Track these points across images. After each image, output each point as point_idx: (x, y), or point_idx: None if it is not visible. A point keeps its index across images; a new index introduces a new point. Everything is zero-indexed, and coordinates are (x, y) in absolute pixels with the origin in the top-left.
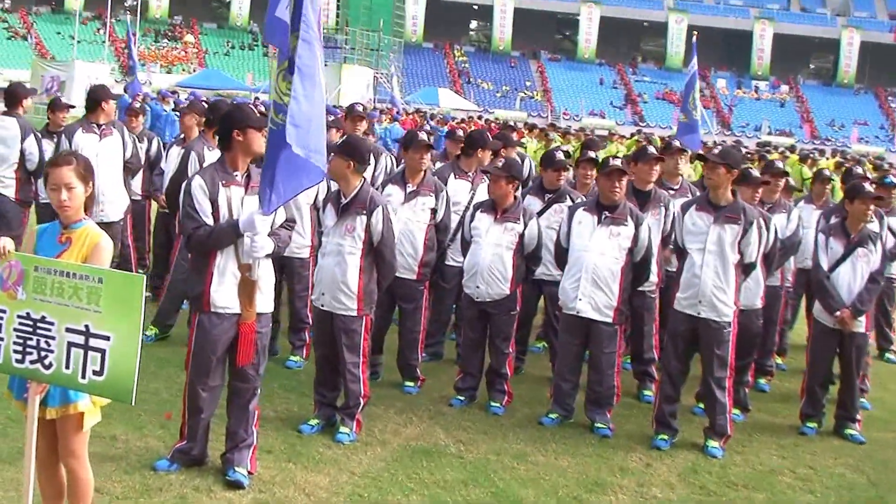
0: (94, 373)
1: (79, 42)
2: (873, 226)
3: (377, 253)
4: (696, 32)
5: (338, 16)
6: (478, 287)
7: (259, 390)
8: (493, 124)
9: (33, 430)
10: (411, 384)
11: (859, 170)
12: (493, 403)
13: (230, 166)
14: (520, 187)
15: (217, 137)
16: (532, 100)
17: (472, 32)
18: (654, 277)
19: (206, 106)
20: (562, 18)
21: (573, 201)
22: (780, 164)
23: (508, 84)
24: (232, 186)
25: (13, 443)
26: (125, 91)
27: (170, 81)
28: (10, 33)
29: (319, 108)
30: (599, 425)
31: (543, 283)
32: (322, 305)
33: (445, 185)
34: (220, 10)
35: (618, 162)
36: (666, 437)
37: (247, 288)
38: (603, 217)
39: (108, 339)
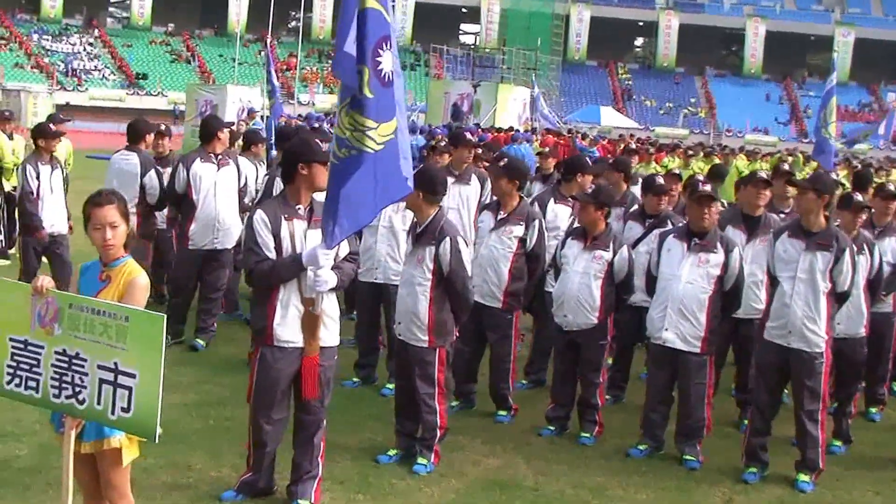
0: (122, 409)
1: (240, 64)
2: None
3: (447, 284)
4: (836, 50)
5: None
6: (566, 316)
7: (325, 423)
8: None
9: (69, 463)
10: (503, 413)
11: None
12: (583, 434)
13: (292, 200)
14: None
15: (282, 172)
16: (696, 116)
17: (636, 49)
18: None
19: None
20: (727, 34)
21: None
22: (892, 187)
23: (672, 101)
24: (295, 220)
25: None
26: (256, 116)
27: (332, 102)
28: (173, 56)
29: (407, 137)
30: (688, 457)
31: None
32: (399, 335)
33: (545, 209)
34: None
35: (707, 188)
36: (755, 470)
37: (310, 322)
38: (692, 244)
39: (133, 376)
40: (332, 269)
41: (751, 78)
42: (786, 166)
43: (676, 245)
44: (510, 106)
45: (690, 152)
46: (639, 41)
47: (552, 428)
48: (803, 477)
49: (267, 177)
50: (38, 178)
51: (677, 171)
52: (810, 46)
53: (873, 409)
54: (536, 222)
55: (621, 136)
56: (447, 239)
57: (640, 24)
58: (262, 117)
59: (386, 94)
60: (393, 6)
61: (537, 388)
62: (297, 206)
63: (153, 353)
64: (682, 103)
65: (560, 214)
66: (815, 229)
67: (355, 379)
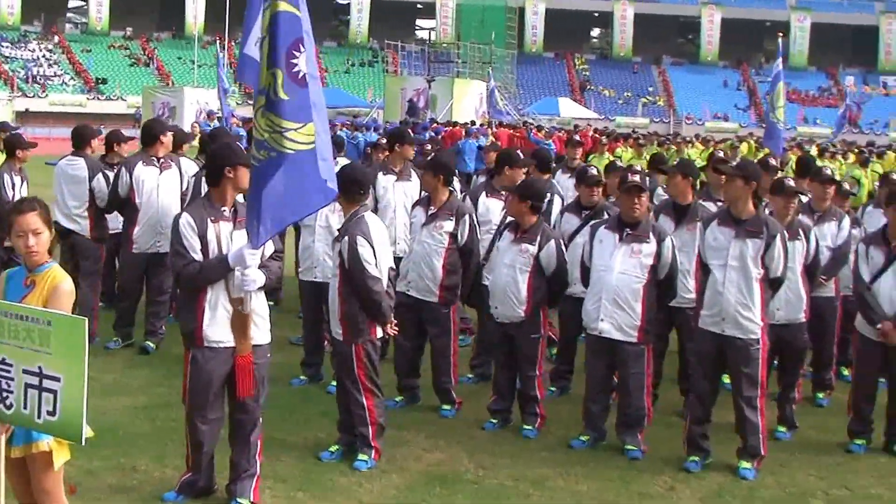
0: (48, 413)
1: (199, 66)
2: None
3: (350, 281)
4: (780, 32)
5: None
6: (496, 308)
7: (261, 420)
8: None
9: (0, 468)
10: (447, 408)
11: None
12: (525, 426)
13: (218, 201)
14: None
15: (205, 175)
16: (654, 105)
17: (593, 40)
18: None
19: None
20: (683, 22)
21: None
22: (828, 171)
23: (630, 90)
24: (221, 222)
25: None
26: (215, 118)
27: None
28: (132, 60)
29: (328, 139)
30: (630, 447)
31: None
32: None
33: (476, 203)
34: (340, 28)
35: (636, 178)
36: (697, 458)
37: (240, 321)
38: (624, 235)
39: (58, 380)
40: (258, 268)
41: (708, 65)
42: (721, 154)
43: (608, 236)
44: (467, 100)
45: (642, 142)
46: (595, 32)
47: (495, 421)
48: (745, 464)
49: (194, 178)
50: (13, 187)
51: (617, 162)
52: (766, 32)
53: (820, 395)
54: (466, 217)
55: (577, 127)
56: (347, 236)
57: (596, 14)
58: (218, 119)
59: (303, 96)
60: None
61: (483, 382)
62: (223, 208)
63: (76, 356)
64: (640, 92)
65: (492, 208)
66: (745, 216)
67: (302, 377)
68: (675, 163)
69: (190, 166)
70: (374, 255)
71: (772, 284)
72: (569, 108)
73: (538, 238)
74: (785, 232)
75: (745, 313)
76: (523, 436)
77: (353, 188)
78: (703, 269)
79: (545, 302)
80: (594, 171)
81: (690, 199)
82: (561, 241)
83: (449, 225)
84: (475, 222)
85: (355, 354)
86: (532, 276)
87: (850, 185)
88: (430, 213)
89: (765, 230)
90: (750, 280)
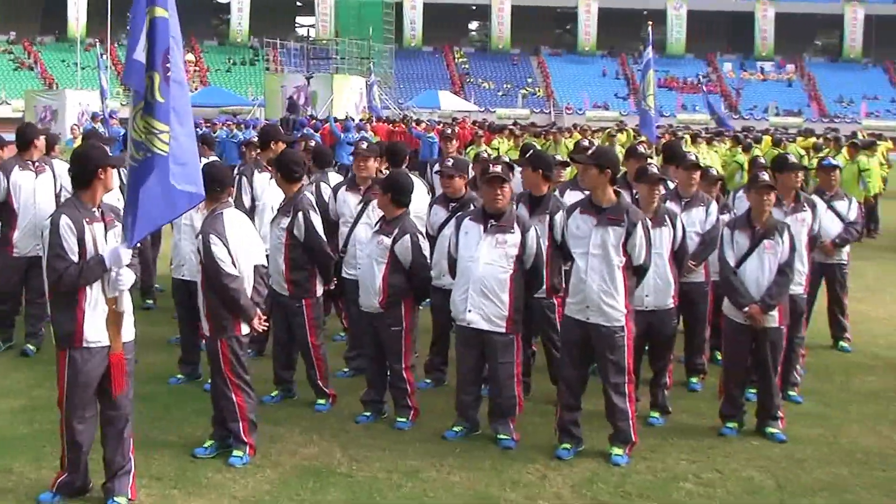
0: None
1: (83, 68)
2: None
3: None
4: (652, 21)
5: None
6: (361, 297)
7: (132, 416)
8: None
9: None
10: (322, 402)
11: (762, 159)
12: (398, 419)
13: (90, 203)
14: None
15: (74, 176)
16: (534, 96)
17: (472, 33)
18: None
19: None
20: (560, 12)
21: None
22: (693, 157)
23: (510, 82)
24: (94, 223)
25: None
26: (99, 120)
27: None
28: (16, 64)
29: (194, 142)
30: (502, 437)
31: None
32: None
33: (336, 196)
34: (220, 27)
35: (498, 169)
36: (569, 446)
37: (115, 320)
38: (489, 226)
39: None
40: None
41: (586, 55)
42: (585, 143)
43: (473, 227)
44: (347, 96)
45: (518, 132)
46: (473, 24)
47: (368, 413)
48: (617, 450)
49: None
50: None
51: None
52: (643, 21)
53: (694, 379)
54: (301, 214)
55: (454, 120)
56: (202, 235)
57: (474, 7)
58: (102, 121)
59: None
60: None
61: (359, 375)
62: (94, 209)
63: None
64: (519, 84)
65: (349, 201)
66: (606, 204)
67: (179, 375)
68: (528, 156)
69: (63, 168)
70: (230, 253)
71: (636, 272)
72: (449, 101)
73: (395, 231)
74: (647, 219)
75: (609, 301)
76: (397, 428)
77: (212, 186)
78: (566, 257)
79: (405, 295)
80: (450, 164)
81: (544, 191)
82: (419, 236)
83: (285, 221)
84: (310, 217)
85: (221, 351)
86: (388, 268)
87: (734, 171)
88: (278, 209)
89: (626, 218)
90: (612, 268)
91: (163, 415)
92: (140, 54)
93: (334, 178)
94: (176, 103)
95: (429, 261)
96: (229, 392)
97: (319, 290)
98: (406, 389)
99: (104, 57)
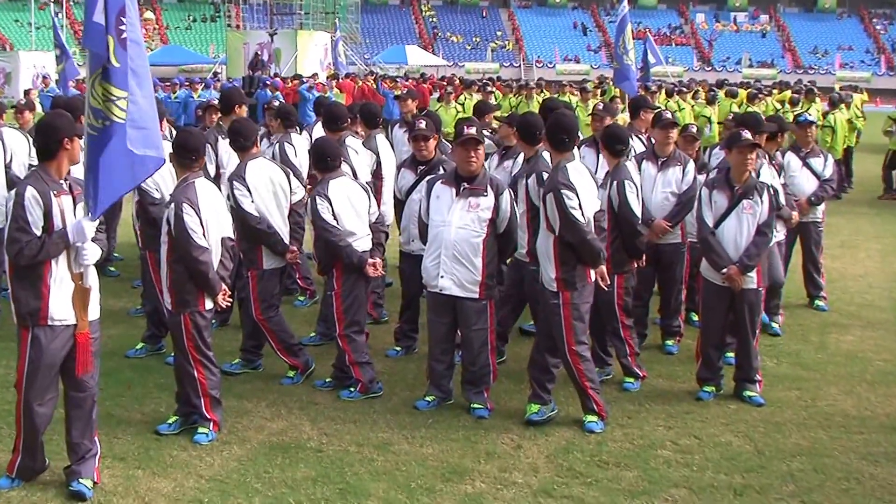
0: None
1: (37, 29)
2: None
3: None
4: None
5: None
6: None
7: (97, 396)
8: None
9: None
10: (291, 374)
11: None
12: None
13: (57, 174)
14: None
15: (38, 147)
16: (504, 50)
17: None
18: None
19: None
20: None
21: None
22: (668, 115)
23: (479, 35)
24: (62, 196)
25: None
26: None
27: None
28: None
29: (153, 104)
30: (476, 406)
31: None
32: None
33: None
34: None
35: (472, 130)
36: (539, 408)
37: (82, 296)
38: (461, 189)
39: None
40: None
41: (556, 7)
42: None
43: (445, 191)
44: (311, 52)
45: (490, 89)
46: None
47: (329, 379)
48: (591, 417)
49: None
50: None
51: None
52: None
53: (670, 342)
54: (234, 182)
55: (423, 76)
56: (173, 203)
57: None
58: (56, 82)
59: (126, 62)
60: None
61: (328, 343)
62: (61, 181)
63: None
64: (489, 37)
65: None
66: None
67: (138, 347)
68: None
69: (13, 136)
70: (201, 224)
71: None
72: (417, 56)
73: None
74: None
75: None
76: (343, 398)
77: (186, 154)
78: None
79: (331, 265)
80: (423, 125)
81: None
82: (318, 200)
83: (225, 189)
84: (233, 186)
85: (183, 325)
86: (316, 235)
87: (703, 125)
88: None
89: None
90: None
91: (122, 391)
92: (99, 16)
93: (297, 139)
94: (134, 64)
95: (329, 225)
96: (191, 368)
97: (270, 264)
98: (342, 358)
99: (59, 16)
